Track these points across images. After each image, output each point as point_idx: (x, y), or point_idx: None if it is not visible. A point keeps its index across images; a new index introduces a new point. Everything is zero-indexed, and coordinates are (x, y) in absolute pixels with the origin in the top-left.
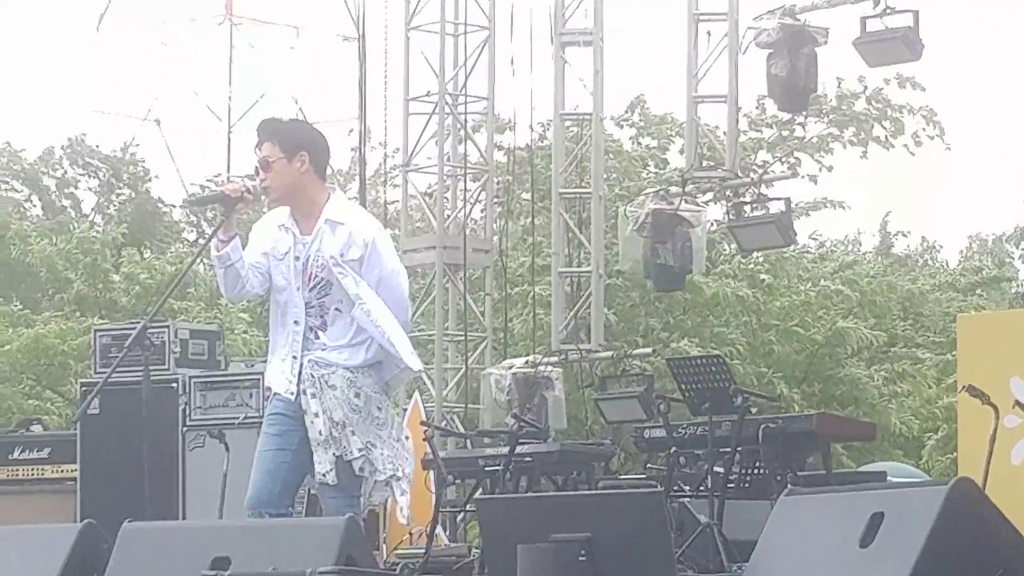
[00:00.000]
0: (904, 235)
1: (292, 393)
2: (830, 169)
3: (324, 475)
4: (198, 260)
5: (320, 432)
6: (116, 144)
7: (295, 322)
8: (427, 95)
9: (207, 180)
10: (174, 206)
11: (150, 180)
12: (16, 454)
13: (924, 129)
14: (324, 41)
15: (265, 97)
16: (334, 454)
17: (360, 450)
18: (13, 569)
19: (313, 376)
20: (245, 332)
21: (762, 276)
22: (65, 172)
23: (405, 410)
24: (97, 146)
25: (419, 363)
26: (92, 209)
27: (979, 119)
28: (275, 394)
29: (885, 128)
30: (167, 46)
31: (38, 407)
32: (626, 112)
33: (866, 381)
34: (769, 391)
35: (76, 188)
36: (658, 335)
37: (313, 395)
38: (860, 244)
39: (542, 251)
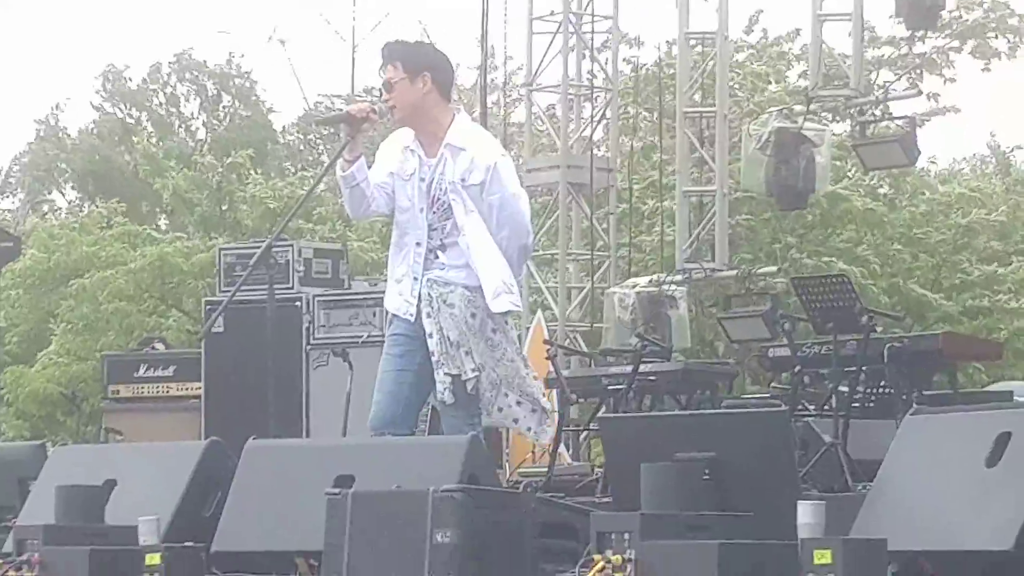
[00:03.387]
0: (1020, 148)
1: (412, 314)
2: (953, 80)
3: (442, 393)
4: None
5: (434, 352)
6: (222, 58)
7: (416, 243)
8: (551, 14)
9: (320, 96)
10: (285, 127)
11: (261, 91)
12: (141, 372)
13: None
14: None
15: (389, 17)
16: (446, 373)
17: (473, 370)
18: (139, 486)
19: (431, 295)
20: (372, 252)
21: (882, 190)
22: (174, 89)
23: (528, 328)
24: (204, 61)
25: (503, 306)
26: (203, 125)
27: None
28: (395, 316)
29: (1008, 40)
30: None
31: (159, 324)
32: (745, 31)
33: (1001, 279)
34: (905, 301)
35: (183, 106)
36: (791, 254)
37: (428, 315)
38: (985, 164)
39: (665, 169)
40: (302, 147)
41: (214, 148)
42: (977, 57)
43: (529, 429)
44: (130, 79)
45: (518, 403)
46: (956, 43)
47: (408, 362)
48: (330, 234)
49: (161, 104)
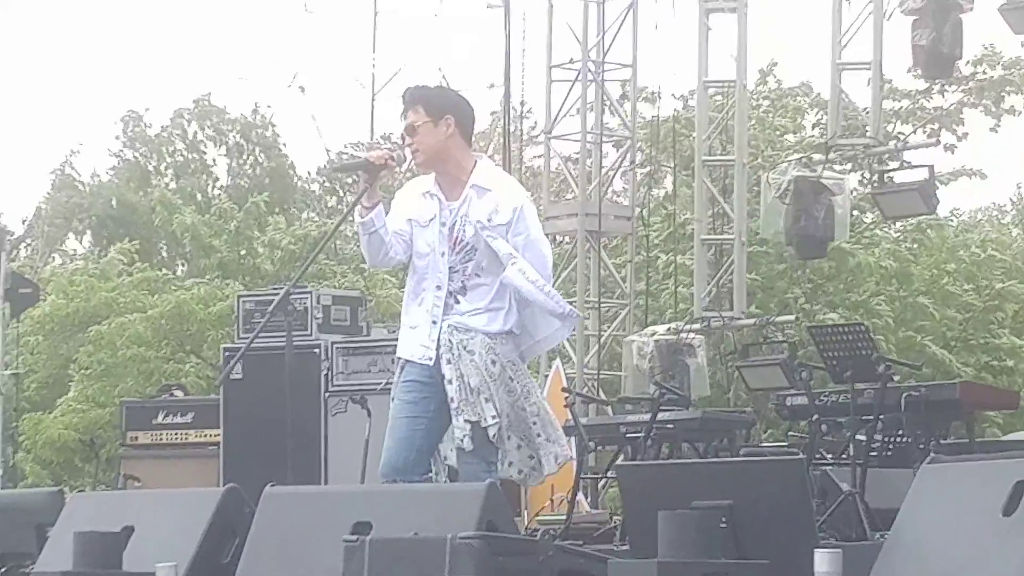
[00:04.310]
0: None
1: (430, 359)
2: (965, 136)
3: (460, 440)
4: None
5: (453, 398)
6: (243, 107)
7: (437, 287)
8: (570, 62)
9: (346, 146)
10: (309, 173)
11: (283, 145)
12: (160, 418)
13: None
14: (468, 8)
15: (409, 65)
16: (466, 420)
17: (494, 417)
18: (157, 533)
19: (451, 341)
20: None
21: (905, 244)
22: (195, 134)
23: (546, 376)
24: (224, 107)
25: (574, 312)
26: (227, 172)
27: None
28: (408, 361)
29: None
30: (311, 12)
31: (178, 371)
32: (758, 84)
33: None
34: (920, 356)
35: (205, 151)
36: (801, 305)
37: (448, 361)
38: (1002, 215)
39: (682, 218)
40: (325, 194)
41: (234, 195)
42: (990, 115)
43: (520, 472)
44: (149, 125)
45: (518, 447)
46: (973, 98)
47: (422, 408)
48: (360, 267)
49: (180, 151)
